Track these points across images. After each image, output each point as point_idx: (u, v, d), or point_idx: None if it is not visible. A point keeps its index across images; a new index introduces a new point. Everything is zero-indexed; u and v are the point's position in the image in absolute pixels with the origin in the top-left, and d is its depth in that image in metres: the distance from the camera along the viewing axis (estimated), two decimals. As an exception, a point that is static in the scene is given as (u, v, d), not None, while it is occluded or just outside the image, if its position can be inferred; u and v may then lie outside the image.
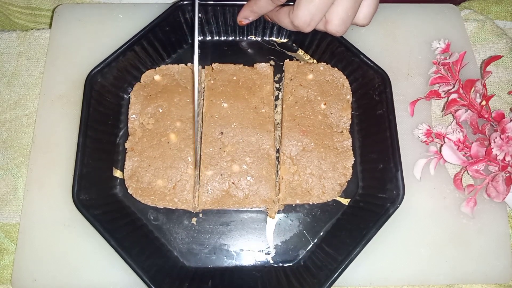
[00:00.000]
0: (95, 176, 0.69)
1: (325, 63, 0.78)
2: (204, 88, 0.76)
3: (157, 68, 0.77)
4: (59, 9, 0.83)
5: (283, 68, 0.79)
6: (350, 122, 0.74)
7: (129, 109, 0.74)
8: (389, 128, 0.69)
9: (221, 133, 0.72)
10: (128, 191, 0.69)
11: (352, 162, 0.72)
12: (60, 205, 0.70)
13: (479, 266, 0.69)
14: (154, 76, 0.76)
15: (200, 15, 0.77)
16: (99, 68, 0.71)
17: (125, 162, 0.70)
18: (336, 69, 0.77)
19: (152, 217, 0.71)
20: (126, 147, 0.71)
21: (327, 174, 0.70)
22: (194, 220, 0.72)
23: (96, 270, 0.67)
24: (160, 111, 0.73)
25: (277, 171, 0.72)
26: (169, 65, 0.77)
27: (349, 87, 0.76)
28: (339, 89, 0.76)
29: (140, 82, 0.76)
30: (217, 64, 0.77)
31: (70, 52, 0.79)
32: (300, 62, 0.78)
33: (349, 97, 0.75)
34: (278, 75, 0.80)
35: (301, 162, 0.71)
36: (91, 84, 0.70)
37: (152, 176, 0.69)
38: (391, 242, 0.70)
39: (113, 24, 0.82)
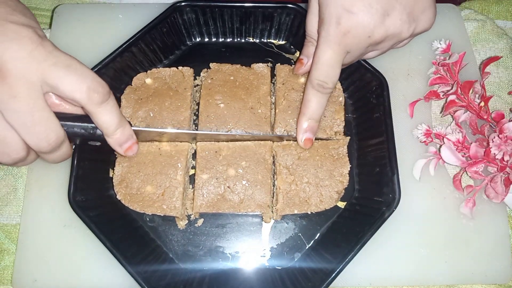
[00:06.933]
0: (92, 177, 0.69)
1: None
2: (200, 89, 0.76)
3: (148, 71, 0.76)
4: (59, 9, 0.82)
5: (275, 72, 0.78)
6: (343, 124, 0.73)
7: None
8: (386, 131, 0.69)
9: None
10: (117, 197, 0.69)
11: (349, 169, 0.71)
12: (61, 206, 0.70)
13: (479, 267, 0.69)
14: (145, 79, 0.75)
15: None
16: (96, 69, 0.70)
17: (114, 168, 0.70)
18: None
19: (148, 219, 0.71)
20: (115, 152, 0.71)
21: (324, 182, 0.70)
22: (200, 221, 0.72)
23: (96, 271, 0.68)
24: (151, 115, 0.72)
25: (273, 175, 0.72)
26: (160, 68, 0.77)
27: (341, 89, 0.75)
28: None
29: (131, 85, 0.75)
30: (214, 64, 0.77)
31: (70, 52, 0.77)
32: (291, 66, 0.77)
33: (341, 99, 0.74)
34: (274, 79, 0.79)
35: (297, 171, 0.70)
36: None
37: (141, 182, 0.69)
38: (391, 242, 0.70)
39: (113, 24, 0.81)
